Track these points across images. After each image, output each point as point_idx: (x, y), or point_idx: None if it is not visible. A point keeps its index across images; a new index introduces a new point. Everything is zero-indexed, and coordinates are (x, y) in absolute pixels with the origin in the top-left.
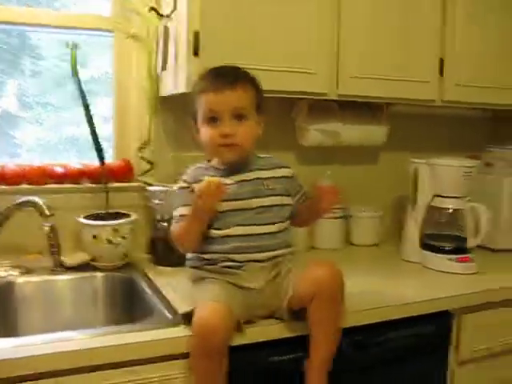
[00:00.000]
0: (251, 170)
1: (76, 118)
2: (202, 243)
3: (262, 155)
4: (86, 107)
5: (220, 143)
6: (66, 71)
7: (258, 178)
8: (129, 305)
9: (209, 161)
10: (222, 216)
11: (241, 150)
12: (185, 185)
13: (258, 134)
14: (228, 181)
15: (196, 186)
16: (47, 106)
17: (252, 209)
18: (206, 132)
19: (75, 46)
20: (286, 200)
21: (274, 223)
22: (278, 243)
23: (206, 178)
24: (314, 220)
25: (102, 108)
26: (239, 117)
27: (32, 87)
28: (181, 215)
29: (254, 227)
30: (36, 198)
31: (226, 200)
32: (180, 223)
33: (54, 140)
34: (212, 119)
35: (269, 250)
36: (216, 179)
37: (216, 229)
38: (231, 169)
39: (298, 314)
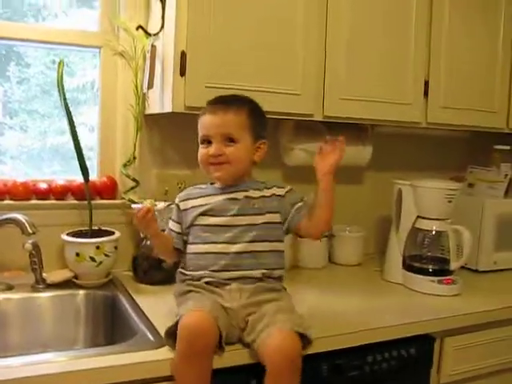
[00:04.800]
0: (244, 190)
1: (61, 126)
2: (186, 258)
3: (261, 180)
4: (72, 125)
5: (209, 161)
6: (53, 79)
7: (247, 197)
8: (111, 324)
9: (212, 183)
10: (205, 230)
11: (228, 168)
12: (176, 201)
13: (252, 158)
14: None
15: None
16: (33, 113)
17: (235, 226)
18: (199, 152)
19: (62, 63)
20: (276, 218)
21: (257, 241)
22: (260, 263)
23: (143, 204)
24: (327, 209)
25: (90, 117)
26: (229, 140)
27: (18, 94)
28: (169, 228)
29: (235, 245)
30: (18, 216)
31: (212, 215)
32: None
33: (38, 148)
34: (206, 141)
35: (247, 269)
36: (147, 206)
37: (196, 243)
38: (226, 188)
39: None
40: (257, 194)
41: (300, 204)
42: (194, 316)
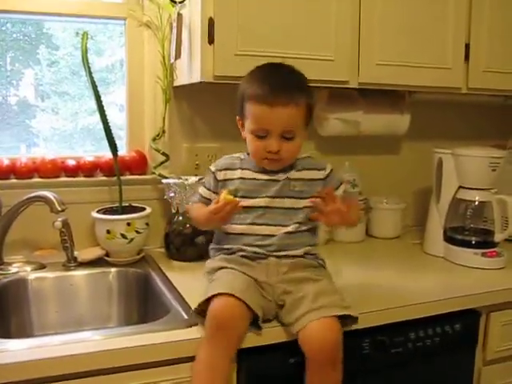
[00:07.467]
0: (285, 171)
1: (92, 106)
2: (221, 236)
3: (301, 156)
4: (98, 98)
5: (265, 157)
6: (81, 59)
7: (287, 179)
8: (144, 301)
9: (249, 154)
10: (243, 211)
11: (283, 162)
12: (212, 169)
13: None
14: (244, 202)
15: (213, 204)
16: (63, 95)
17: (275, 208)
18: (252, 142)
19: (86, 35)
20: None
21: (300, 223)
22: (301, 243)
23: (223, 196)
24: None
25: (119, 97)
26: (287, 135)
27: (48, 76)
28: (200, 195)
29: (271, 227)
30: (47, 193)
31: (246, 197)
32: (197, 205)
33: (69, 129)
34: (260, 132)
35: (288, 250)
36: (232, 199)
37: (233, 224)
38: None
39: None
40: (296, 175)
41: (337, 192)
42: (221, 302)
